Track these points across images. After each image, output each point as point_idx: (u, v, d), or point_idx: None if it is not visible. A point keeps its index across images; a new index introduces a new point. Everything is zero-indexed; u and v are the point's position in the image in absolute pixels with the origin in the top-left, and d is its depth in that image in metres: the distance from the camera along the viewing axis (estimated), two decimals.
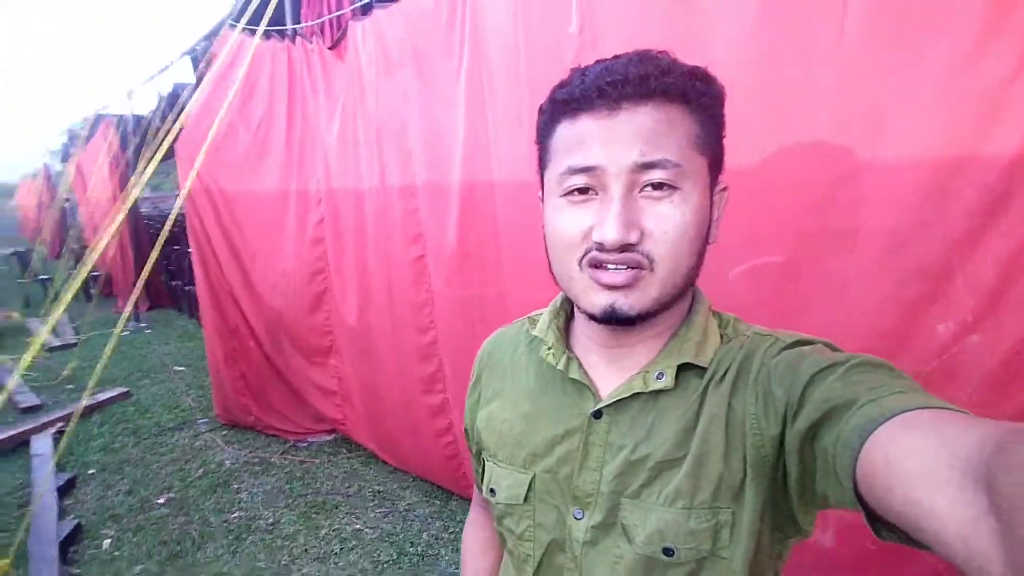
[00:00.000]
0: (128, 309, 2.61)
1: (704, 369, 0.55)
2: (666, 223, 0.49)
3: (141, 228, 6.70)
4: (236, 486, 2.88)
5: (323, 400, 3.10)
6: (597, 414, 0.57)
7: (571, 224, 0.52)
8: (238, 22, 3.38)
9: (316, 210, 2.81)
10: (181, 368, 4.72)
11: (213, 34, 3.96)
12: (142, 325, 6.11)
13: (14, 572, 2.26)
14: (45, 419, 3.62)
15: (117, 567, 2.34)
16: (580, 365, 0.60)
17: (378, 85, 2.32)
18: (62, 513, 2.69)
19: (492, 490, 0.64)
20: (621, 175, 0.49)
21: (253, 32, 3.23)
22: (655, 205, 0.50)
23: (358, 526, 2.52)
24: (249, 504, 2.73)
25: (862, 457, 0.39)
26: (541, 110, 0.56)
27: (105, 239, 2.78)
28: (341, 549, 2.38)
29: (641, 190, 0.50)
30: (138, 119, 6.36)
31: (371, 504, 2.68)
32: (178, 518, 2.65)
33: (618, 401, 0.56)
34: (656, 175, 0.49)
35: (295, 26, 3.05)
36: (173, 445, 3.37)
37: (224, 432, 3.47)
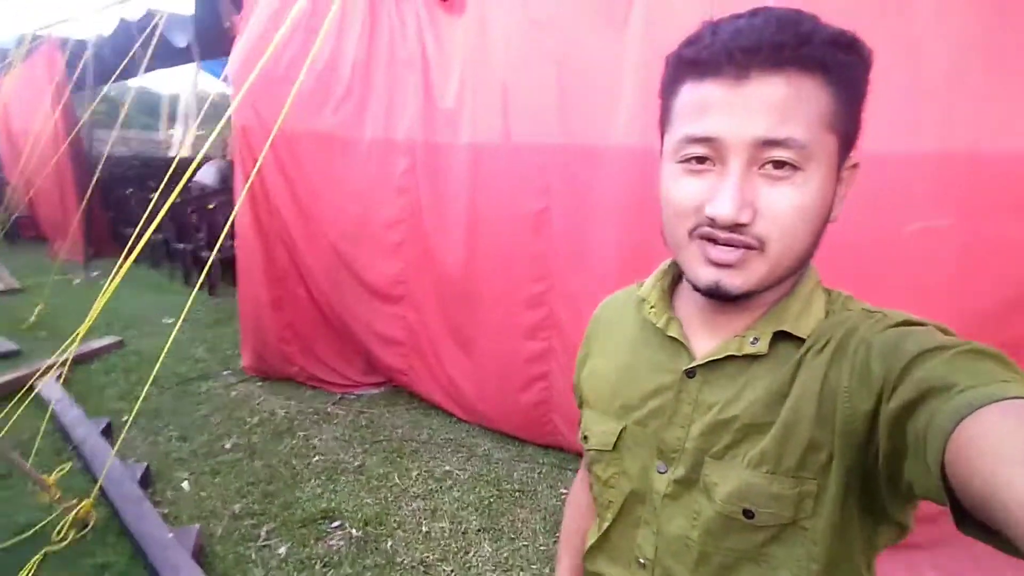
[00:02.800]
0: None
1: (802, 340, 0.54)
2: (783, 205, 0.48)
3: (84, 168, 6.03)
4: (302, 433, 2.86)
5: (384, 349, 3.13)
6: (690, 373, 0.58)
7: (685, 193, 0.51)
8: None
9: (402, 159, 2.84)
10: (170, 320, 4.42)
11: None
12: (94, 274, 5.54)
13: (94, 512, 2.15)
14: (39, 364, 3.31)
15: (212, 505, 2.30)
16: (680, 325, 0.61)
17: (509, 41, 2.42)
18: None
19: (586, 436, 0.68)
20: (742, 149, 0.48)
21: None
22: (774, 185, 0.48)
23: (447, 468, 2.64)
24: (325, 449, 2.74)
25: (952, 441, 0.37)
26: (666, 63, 0.55)
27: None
28: (440, 487, 2.50)
29: (761, 167, 0.48)
30: (83, 44, 5.73)
31: (448, 450, 2.80)
32: (254, 462, 2.61)
33: (712, 362, 0.57)
34: (779, 153, 0.47)
35: None
36: (207, 395, 3.23)
37: (259, 383, 3.38)
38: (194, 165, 3.22)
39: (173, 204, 5.49)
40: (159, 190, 3.02)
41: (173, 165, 3.22)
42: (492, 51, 2.48)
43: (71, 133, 5.67)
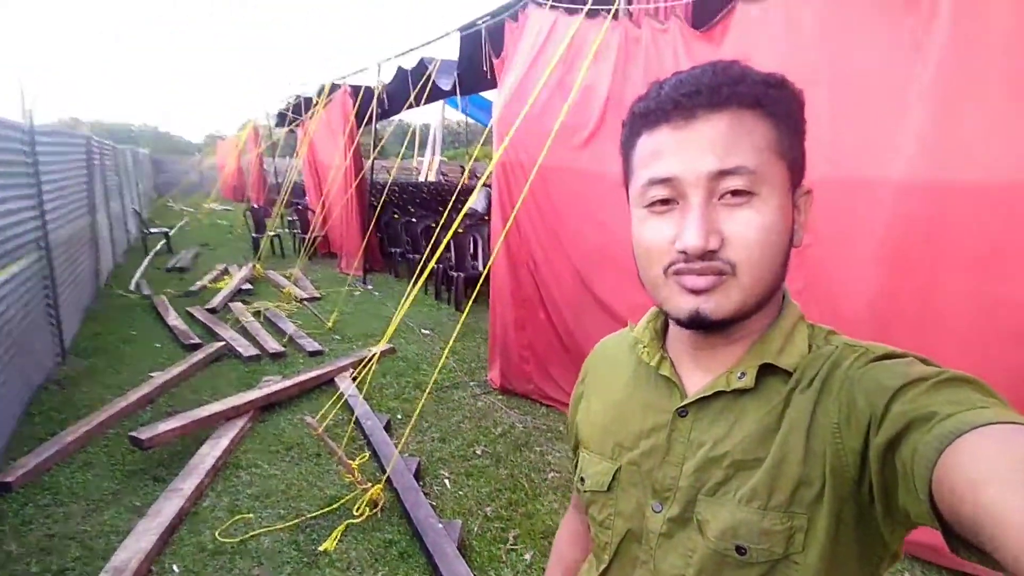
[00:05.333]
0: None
1: (789, 374, 0.57)
2: (746, 228, 0.52)
3: (365, 194, 7.46)
4: (538, 448, 3.18)
5: None
6: (682, 412, 0.61)
7: (655, 234, 0.55)
8: (546, 1, 3.66)
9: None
10: (427, 332, 5.26)
11: (502, 11, 4.30)
12: (369, 287, 6.87)
13: (383, 495, 2.70)
14: (341, 363, 4.24)
15: (468, 504, 2.70)
16: (672, 364, 0.64)
17: (777, 68, 2.38)
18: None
19: (582, 479, 0.70)
20: (699, 184, 0.52)
21: (569, 11, 3.48)
22: (734, 211, 0.52)
23: None
24: (559, 466, 3.00)
25: (938, 469, 0.40)
26: (623, 124, 0.61)
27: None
28: None
29: (720, 198, 0.52)
30: (370, 90, 7.08)
31: None
32: (499, 470, 2.99)
33: (702, 399, 0.60)
34: (733, 182, 0.52)
35: (628, 7, 3.21)
36: (458, 403, 3.78)
37: (499, 396, 3.84)
38: (456, 193, 3.82)
39: (427, 227, 6.50)
40: (443, 218, 3.65)
41: (455, 195, 3.83)
42: None
43: (359, 165, 7.09)
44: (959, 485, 0.37)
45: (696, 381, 0.63)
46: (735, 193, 0.52)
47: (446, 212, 4.35)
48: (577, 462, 0.73)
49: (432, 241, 3.51)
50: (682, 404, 0.62)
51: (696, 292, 0.54)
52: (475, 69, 4.86)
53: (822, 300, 2.31)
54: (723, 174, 0.52)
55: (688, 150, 0.53)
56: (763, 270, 0.54)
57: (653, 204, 0.56)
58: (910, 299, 2.09)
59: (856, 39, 2.14)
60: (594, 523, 0.69)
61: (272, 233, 8.36)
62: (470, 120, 12.37)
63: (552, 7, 3.57)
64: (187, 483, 2.77)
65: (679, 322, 0.58)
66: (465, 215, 6.86)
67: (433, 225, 6.08)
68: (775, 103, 0.54)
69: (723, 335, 0.60)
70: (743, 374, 0.58)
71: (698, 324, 0.56)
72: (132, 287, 6.75)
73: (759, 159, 0.52)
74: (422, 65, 5.88)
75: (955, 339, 1.99)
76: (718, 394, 0.59)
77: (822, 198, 2.29)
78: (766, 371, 0.58)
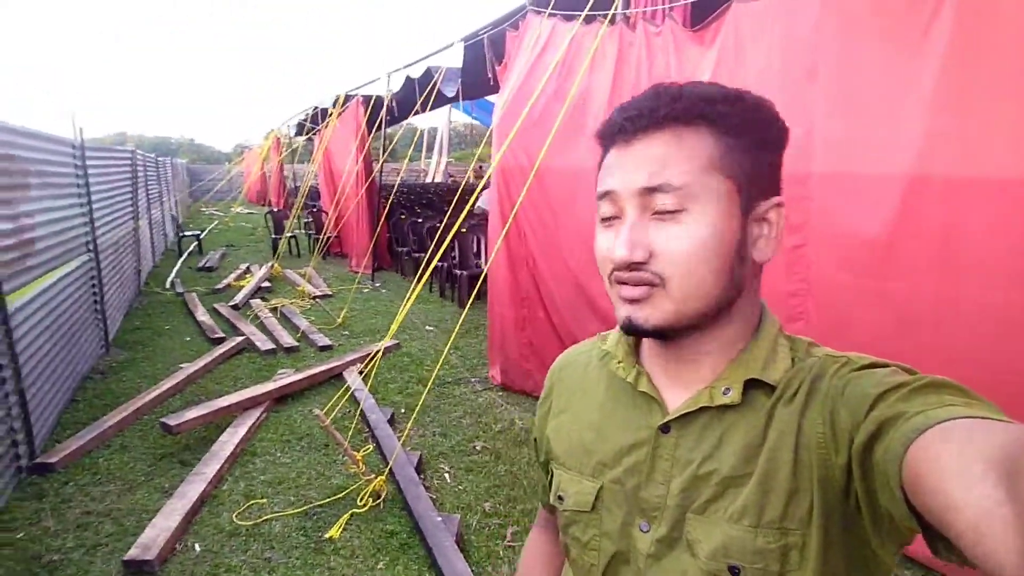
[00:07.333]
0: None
1: (772, 387, 0.54)
2: (674, 243, 0.51)
3: (375, 196, 7.38)
4: None
5: None
6: (665, 428, 0.58)
7: (602, 244, 0.56)
8: (543, 8, 3.55)
9: None
10: (431, 328, 5.17)
11: (503, 21, 4.20)
12: (377, 285, 6.79)
13: (385, 487, 2.61)
14: (349, 357, 4.16)
15: (467, 499, 2.61)
16: (649, 379, 0.61)
17: (767, 67, 2.27)
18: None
19: (560, 497, 0.65)
20: (631, 199, 0.53)
21: (568, 18, 3.37)
22: (664, 226, 0.52)
23: None
24: None
25: (905, 465, 0.38)
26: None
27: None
28: None
29: (653, 213, 0.52)
30: (380, 99, 7.00)
31: None
32: (499, 465, 2.89)
33: (685, 415, 0.57)
34: (660, 199, 0.51)
35: (625, 11, 3.09)
36: (459, 399, 3.69)
37: (499, 393, 3.74)
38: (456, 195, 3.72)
39: (433, 227, 6.40)
40: (446, 218, 3.55)
41: (473, 197, 3.74)
42: (746, 76, 2.35)
43: (370, 169, 7.00)
44: (925, 479, 0.36)
45: (674, 396, 0.59)
46: (665, 208, 0.52)
47: (448, 212, 4.26)
48: (551, 479, 0.69)
49: (435, 240, 3.44)
50: (664, 421, 0.58)
51: (629, 301, 0.54)
52: (478, 76, 4.77)
53: (823, 303, 2.19)
54: (651, 191, 0.52)
55: (625, 168, 0.53)
56: (694, 283, 0.52)
57: (604, 219, 0.57)
58: (907, 300, 1.96)
59: (856, 36, 2.01)
60: (577, 544, 0.64)
61: (289, 234, 8.29)
62: (476, 123, 12.27)
63: (550, 15, 3.46)
64: (209, 468, 2.74)
65: (621, 328, 0.57)
66: (469, 215, 6.75)
67: (438, 225, 5.97)
68: (722, 117, 0.52)
69: (687, 347, 0.57)
70: (728, 389, 0.55)
71: (632, 331, 0.55)
72: (167, 285, 6.76)
73: (692, 176, 0.51)
74: (428, 74, 5.78)
75: (955, 341, 1.86)
76: (702, 410, 0.56)
77: (814, 194, 2.19)
78: (750, 386, 0.55)
